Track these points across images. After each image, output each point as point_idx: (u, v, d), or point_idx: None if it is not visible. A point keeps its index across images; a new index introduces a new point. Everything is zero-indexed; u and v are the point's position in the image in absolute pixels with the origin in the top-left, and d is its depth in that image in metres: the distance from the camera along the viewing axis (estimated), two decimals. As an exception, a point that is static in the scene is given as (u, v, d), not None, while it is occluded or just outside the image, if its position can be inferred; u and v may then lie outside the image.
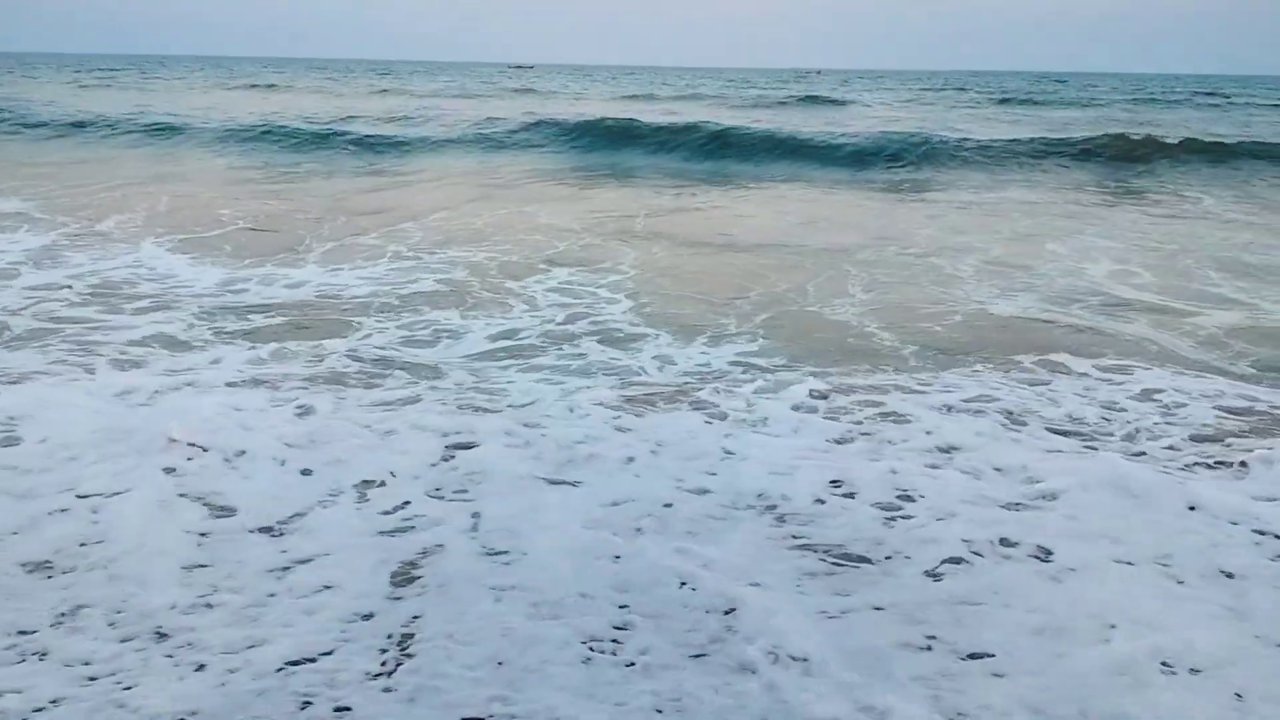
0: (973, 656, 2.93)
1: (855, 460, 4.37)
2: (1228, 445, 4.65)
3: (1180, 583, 3.35)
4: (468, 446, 4.43)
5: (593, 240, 10.07)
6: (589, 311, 7.05)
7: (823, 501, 3.95)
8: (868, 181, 15.87)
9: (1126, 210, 13.20)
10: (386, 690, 2.74)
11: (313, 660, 2.87)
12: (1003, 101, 41.08)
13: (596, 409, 4.97)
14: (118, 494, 3.86)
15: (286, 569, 3.37)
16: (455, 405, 5.01)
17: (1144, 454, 4.54)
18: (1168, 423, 4.95)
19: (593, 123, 21.54)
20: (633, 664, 2.86)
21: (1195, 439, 4.74)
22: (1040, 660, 2.90)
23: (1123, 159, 18.02)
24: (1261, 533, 3.71)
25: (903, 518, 3.83)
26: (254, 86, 45.74)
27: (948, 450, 4.51)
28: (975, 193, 14.75)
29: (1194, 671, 2.85)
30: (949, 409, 5.07)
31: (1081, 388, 5.47)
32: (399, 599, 3.20)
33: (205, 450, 4.26)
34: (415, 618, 3.09)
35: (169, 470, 4.07)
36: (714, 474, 4.20)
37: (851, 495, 4.01)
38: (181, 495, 3.87)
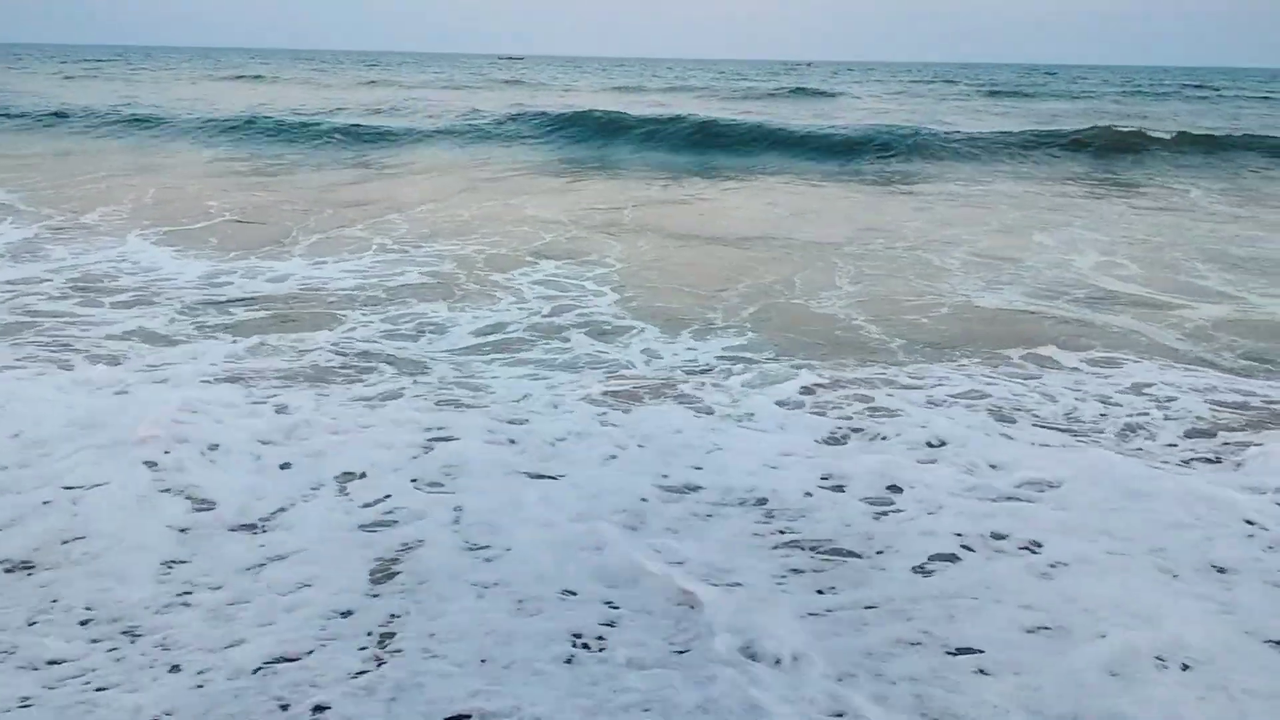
0: (962, 652, 2.90)
1: (843, 455, 4.34)
2: (1219, 438, 4.64)
3: (1174, 577, 3.32)
4: (450, 441, 4.38)
5: (580, 233, 10.02)
6: (576, 304, 7.01)
7: (810, 496, 3.91)
8: (856, 174, 15.86)
9: (1114, 202, 13.21)
10: (367, 689, 2.69)
11: (292, 659, 2.82)
12: (992, 94, 41.12)
13: (582, 403, 4.93)
14: (95, 488, 3.80)
15: (265, 565, 3.32)
16: (439, 400, 4.97)
17: (1135, 448, 4.52)
18: (1159, 416, 4.93)
19: (581, 114, 21.47)
20: (615, 662, 2.82)
21: (1186, 432, 4.73)
22: (1032, 657, 2.87)
23: (1111, 151, 18.05)
24: (1253, 524, 3.69)
25: (892, 513, 3.79)
26: (241, 78, 45.49)
27: (937, 445, 4.48)
28: (963, 185, 14.74)
29: (1186, 668, 2.83)
30: (938, 403, 5.04)
31: (1071, 381, 5.45)
32: (380, 595, 3.15)
33: (181, 444, 4.20)
34: (395, 616, 3.04)
35: (144, 465, 3.99)
36: (700, 469, 4.16)
37: (839, 490, 3.97)
38: (157, 491, 3.81)
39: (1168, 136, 18.78)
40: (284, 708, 2.63)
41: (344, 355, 5.70)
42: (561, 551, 3.42)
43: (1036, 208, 12.59)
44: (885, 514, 3.78)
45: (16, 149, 17.76)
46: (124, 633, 2.94)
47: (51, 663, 2.80)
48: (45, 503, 3.69)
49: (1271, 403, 5.14)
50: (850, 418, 4.81)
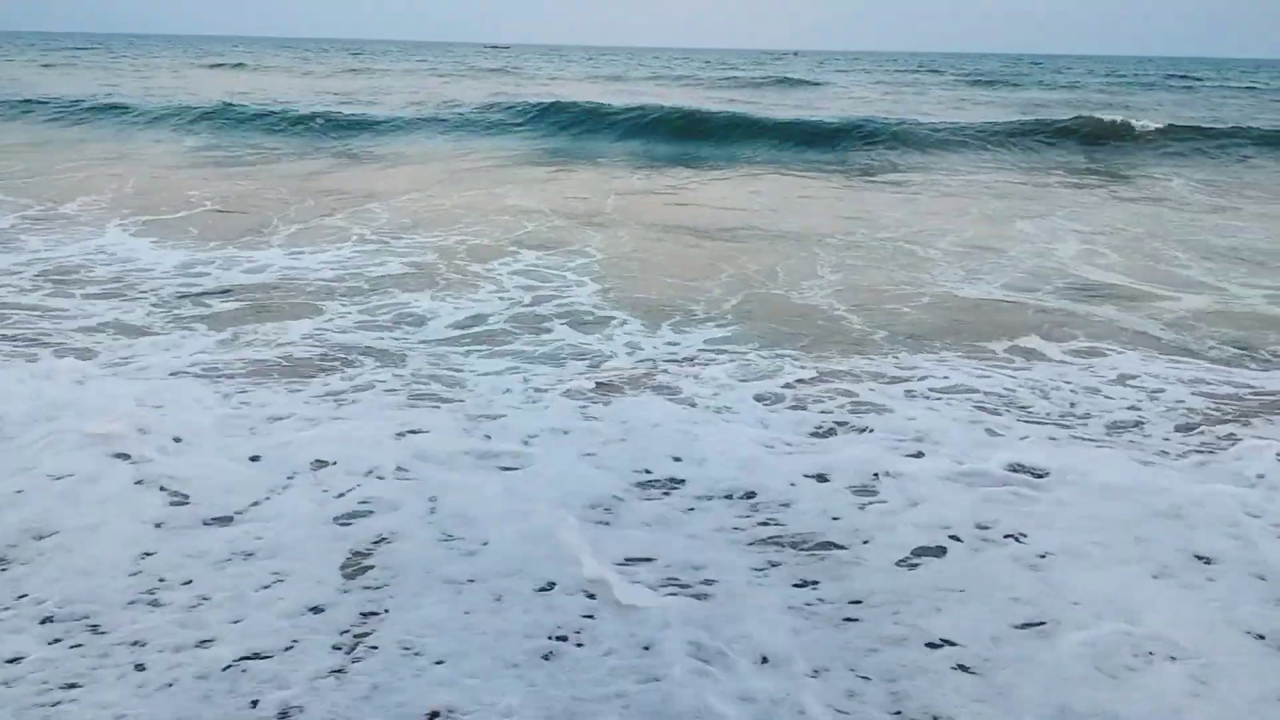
0: (944, 646, 2.88)
1: (827, 448, 4.31)
2: (1205, 429, 4.63)
3: (1161, 569, 3.31)
4: (425, 434, 4.34)
5: (562, 223, 9.96)
6: (557, 295, 6.96)
7: (793, 489, 3.87)
8: (840, 164, 15.82)
9: (1097, 193, 13.23)
10: (341, 688, 2.65)
11: (263, 657, 2.78)
12: (977, 83, 41.15)
13: (561, 395, 4.89)
14: (58, 480, 3.75)
15: (236, 560, 3.27)
16: (415, 392, 4.91)
17: (1121, 439, 4.50)
18: (1144, 408, 4.92)
19: (565, 104, 21.36)
20: (592, 658, 2.79)
21: (1172, 423, 4.71)
22: (1016, 651, 2.85)
23: (1094, 141, 18.09)
24: (1240, 516, 3.68)
25: (876, 506, 3.76)
26: (224, 66, 45.06)
27: (921, 437, 4.45)
28: (947, 175, 14.74)
29: (1172, 659, 2.82)
30: (922, 395, 5.02)
31: (1056, 373, 5.44)
32: (351, 591, 3.11)
33: (144, 436, 4.13)
34: (369, 614, 3.00)
35: (106, 459, 3.94)
36: (681, 461, 4.12)
37: (822, 484, 3.94)
38: (120, 485, 3.75)
39: (1151, 127, 18.81)
40: (254, 705, 2.59)
41: (320, 347, 5.64)
42: (539, 547, 3.39)
43: (1020, 198, 12.59)
44: (869, 507, 3.75)
45: (-7, 138, 17.55)
46: (90, 629, 2.90)
47: (11, 660, 2.75)
48: (17, 492, 3.63)
49: (1257, 393, 5.14)
50: (834, 410, 4.78)
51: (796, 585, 3.20)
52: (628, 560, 3.32)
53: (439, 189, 12.42)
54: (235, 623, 2.94)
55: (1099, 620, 3.00)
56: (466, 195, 11.87)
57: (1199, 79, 50.20)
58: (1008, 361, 5.64)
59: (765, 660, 2.79)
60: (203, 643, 2.83)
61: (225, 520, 3.55)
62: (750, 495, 3.83)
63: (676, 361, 5.53)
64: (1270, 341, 6.16)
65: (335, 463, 3.99)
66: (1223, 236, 9.97)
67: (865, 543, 3.48)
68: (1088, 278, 7.91)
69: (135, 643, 2.83)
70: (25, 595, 3.05)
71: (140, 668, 2.72)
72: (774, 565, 3.32)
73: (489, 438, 4.34)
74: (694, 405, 4.81)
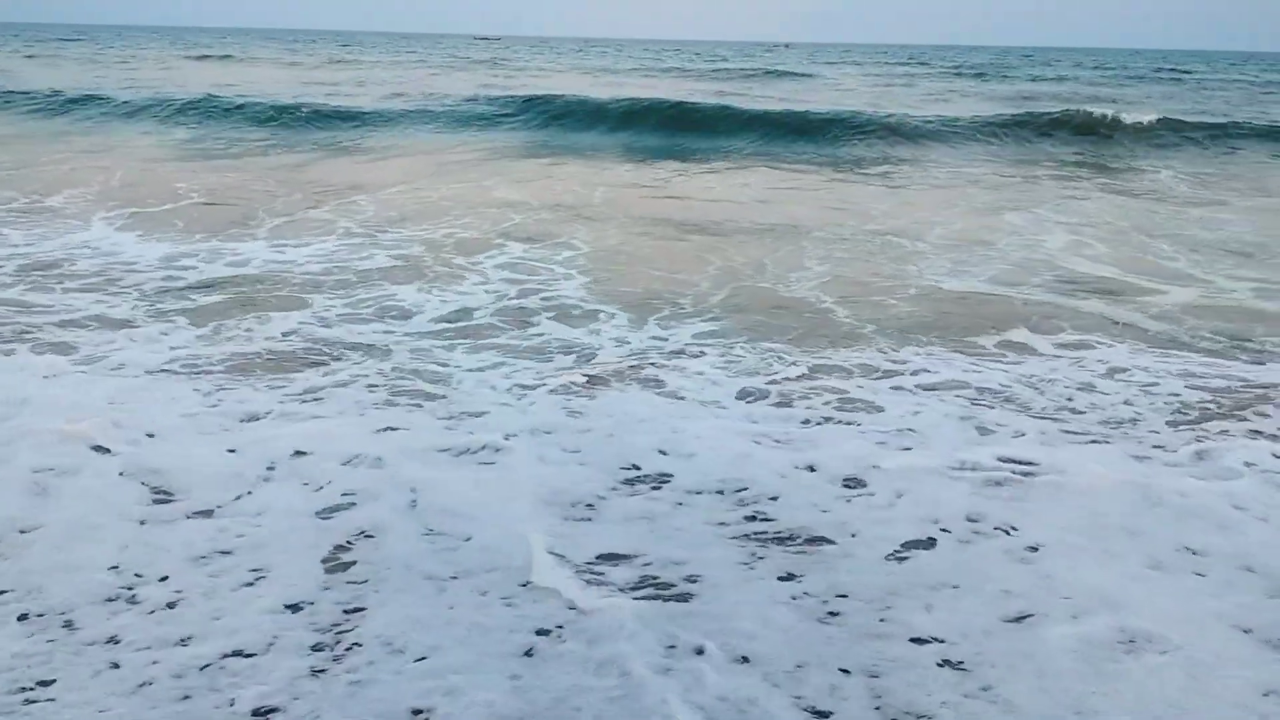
0: (930, 642, 2.86)
1: (815, 442, 4.28)
2: (1195, 423, 4.62)
3: (1151, 563, 3.30)
4: (408, 430, 4.31)
5: (550, 216, 9.92)
6: (543, 288, 6.92)
7: (781, 483, 3.85)
8: (830, 157, 15.80)
9: (1086, 186, 13.24)
10: (322, 686, 2.62)
11: (243, 655, 2.74)
12: (966, 76, 41.15)
13: (546, 390, 4.86)
14: (33, 475, 3.71)
15: (215, 557, 3.24)
16: (399, 387, 4.87)
17: (1112, 433, 4.49)
18: (1134, 401, 4.91)
19: (553, 97, 21.28)
20: (576, 656, 2.76)
21: (1162, 417, 4.70)
22: (1002, 645, 2.83)
23: (1083, 135, 18.11)
24: (1229, 509, 3.68)
25: (866, 500, 3.74)
26: (212, 58, 44.80)
27: (910, 431, 4.43)
28: (936, 168, 14.74)
29: (1160, 653, 2.81)
30: (911, 389, 5.01)
31: (1046, 367, 5.42)
32: (334, 588, 3.08)
33: (118, 431, 4.10)
34: (352, 610, 2.97)
35: (82, 455, 3.90)
36: (667, 456, 4.09)
37: (810, 478, 3.91)
38: (100, 481, 3.71)
39: (1139, 120, 18.84)
40: (232, 704, 2.56)
41: (303, 341, 5.59)
42: (523, 542, 3.36)
43: (1008, 190, 12.60)
44: (858, 501, 3.73)
45: (-23, 130, 17.41)
46: (64, 626, 2.86)
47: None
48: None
49: (1248, 386, 5.14)
50: (822, 404, 4.76)
51: (782, 580, 3.18)
52: (609, 556, 3.30)
53: (426, 181, 12.36)
54: (215, 620, 2.90)
55: (1088, 614, 2.99)
56: (454, 188, 11.81)
57: (1188, 71, 50.34)
58: (997, 355, 5.63)
59: (745, 659, 2.76)
60: (181, 641, 2.80)
61: (204, 516, 3.51)
62: (737, 490, 3.81)
63: (663, 355, 5.50)
64: (1258, 334, 6.16)
65: (316, 458, 3.95)
66: (1210, 229, 9.99)
67: (853, 536, 3.46)
68: (1076, 270, 7.91)
69: (111, 640, 2.79)
70: (2, 591, 3.01)
71: (116, 666, 2.68)
72: (760, 560, 3.30)
73: (472, 433, 4.30)
74: (681, 399, 4.79)
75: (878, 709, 2.57)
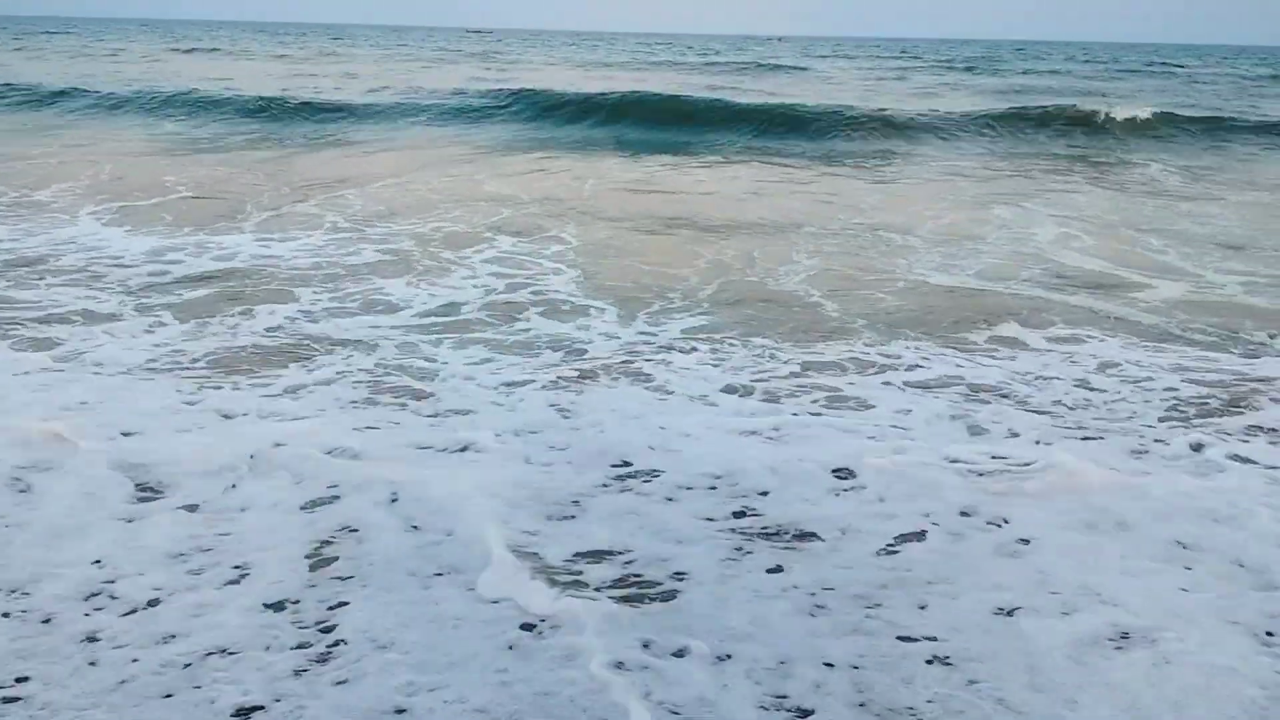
0: (918, 633, 2.85)
1: (805, 437, 4.26)
2: (1187, 417, 4.61)
3: (1143, 558, 3.29)
4: (395, 426, 4.28)
5: (540, 210, 9.88)
6: (532, 283, 6.89)
7: (770, 479, 3.83)
8: (820, 150, 15.78)
9: (1077, 180, 13.25)
10: (305, 684, 2.59)
11: (225, 653, 2.72)
12: (958, 70, 41.15)
13: (534, 385, 4.84)
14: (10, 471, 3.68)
15: (196, 554, 3.21)
16: (384, 383, 4.84)
17: (1106, 427, 4.47)
18: (1125, 395, 4.90)
19: (544, 90, 21.21)
20: (560, 654, 2.74)
21: (1152, 410, 4.70)
22: (994, 640, 2.82)
23: (1074, 128, 18.13)
24: (1224, 505, 3.66)
25: (854, 496, 3.71)
26: (201, 51, 44.58)
27: (901, 426, 4.42)
28: (927, 162, 14.74)
29: (1153, 648, 2.80)
30: (902, 383, 4.99)
31: (1037, 361, 5.41)
32: (318, 585, 3.06)
33: (100, 429, 4.07)
34: (336, 605, 2.95)
35: (65, 452, 3.87)
36: (655, 451, 4.07)
37: (801, 473, 3.88)
38: (79, 477, 3.68)
39: (1130, 113, 18.86)
40: (214, 703, 2.53)
41: (288, 336, 5.55)
42: (508, 539, 3.34)
43: (999, 185, 12.60)
44: (849, 497, 3.71)
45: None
46: (44, 622, 2.83)
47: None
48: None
49: (1240, 380, 5.13)
50: (813, 399, 4.74)
51: (769, 575, 3.15)
52: (592, 553, 3.27)
53: (416, 175, 12.31)
54: (196, 617, 2.88)
55: (1079, 610, 2.98)
56: (443, 181, 11.77)
57: (1179, 65, 50.42)
58: (988, 350, 5.62)
59: (727, 656, 2.74)
60: (162, 639, 2.77)
61: (186, 512, 3.48)
62: (727, 485, 3.79)
63: (653, 350, 5.48)
64: (1248, 328, 6.17)
65: (300, 455, 3.91)
66: (1200, 223, 10.01)
67: (843, 533, 3.44)
68: (1066, 264, 7.92)
69: (90, 637, 2.77)
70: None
71: (94, 664, 2.66)
72: (746, 555, 3.28)
73: (458, 429, 4.28)
74: (670, 395, 4.77)
75: (862, 705, 2.55)
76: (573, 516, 3.53)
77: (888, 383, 5.00)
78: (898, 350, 5.54)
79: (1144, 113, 18.97)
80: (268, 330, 5.65)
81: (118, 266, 7.07)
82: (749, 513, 3.58)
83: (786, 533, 3.45)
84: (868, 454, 4.05)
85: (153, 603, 2.95)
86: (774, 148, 15.99)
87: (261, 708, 2.51)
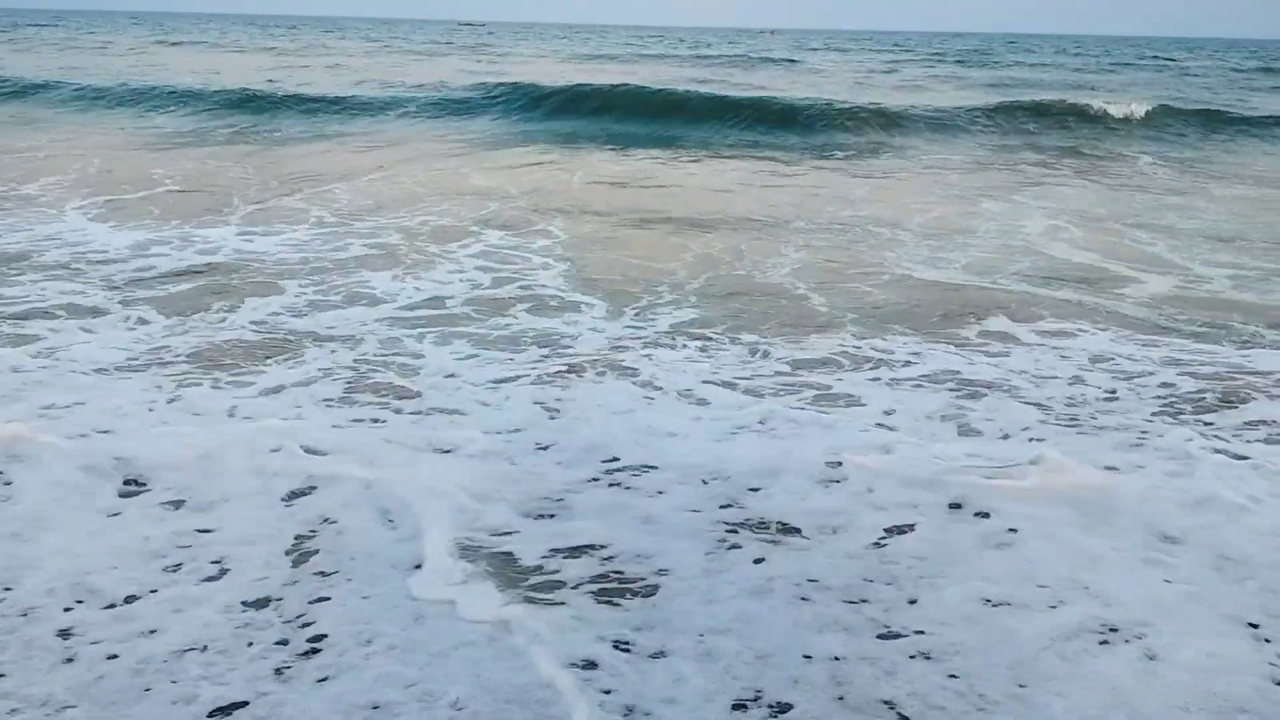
0: (902, 626, 2.85)
1: (795, 432, 4.25)
2: (1176, 411, 4.61)
3: (1131, 552, 3.28)
4: (381, 423, 4.25)
5: (527, 204, 9.85)
6: (519, 278, 6.87)
7: (759, 474, 3.81)
8: (810, 144, 15.75)
9: (1067, 173, 13.27)
10: (284, 681, 2.58)
11: (204, 650, 2.70)
12: (949, 63, 41.14)
13: (521, 380, 4.82)
14: None
15: (176, 550, 3.19)
16: (369, 378, 4.81)
17: (1095, 421, 4.47)
18: (1116, 389, 4.89)
19: (533, 84, 21.14)
20: (540, 650, 2.73)
21: (1143, 403, 4.69)
22: (978, 634, 2.81)
23: (1065, 123, 18.15)
24: (1216, 500, 3.66)
25: (844, 491, 3.69)
26: (192, 44, 44.36)
27: (890, 420, 4.41)
28: (917, 156, 14.73)
29: (1138, 638, 2.81)
30: (892, 378, 4.98)
31: (1028, 355, 5.41)
32: (300, 581, 3.04)
33: (82, 424, 4.04)
34: (316, 600, 2.93)
35: (43, 448, 3.82)
36: (642, 447, 4.05)
37: (790, 468, 3.86)
38: (60, 473, 3.64)
39: (1121, 107, 18.89)
40: (192, 701, 2.52)
41: (272, 331, 5.52)
42: (492, 535, 3.33)
43: (989, 179, 12.60)
44: (837, 492, 3.69)
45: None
46: (21, 616, 2.82)
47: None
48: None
49: (1231, 373, 5.13)
50: (802, 394, 4.72)
51: (753, 570, 3.14)
52: (570, 549, 3.25)
53: (404, 169, 12.27)
54: (175, 613, 2.86)
55: (1065, 604, 2.98)
56: (431, 175, 11.74)
57: (1170, 59, 50.49)
58: (978, 344, 5.60)
59: (706, 651, 2.73)
60: (140, 635, 2.76)
61: (166, 508, 3.46)
62: (713, 481, 3.76)
63: (641, 346, 5.46)
64: (1237, 322, 6.17)
65: (281, 452, 3.88)
66: (1189, 217, 10.02)
67: (830, 527, 3.43)
68: (1056, 257, 7.92)
69: (64, 633, 2.75)
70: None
71: (71, 660, 2.64)
72: (732, 550, 3.27)
73: (442, 425, 4.25)
74: (658, 390, 4.74)
75: (841, 699, 2.54)
76: (553, 515, 3.50)
77: (877, 378, 4.99)
78: (887, 344, 5.53)
79: (1134, 106, 19.00)
80: (253, 325, 5.62)
81: (103, 261, 7.02)
82: (735, 508, 3.56)
83: (773, 528, 3.43)
84: (856, 449, 4.03)
85: (130, 598, 2.93)
86: (764, 141, 15.97)
87: (240, 704, 2.50)
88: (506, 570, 3.13)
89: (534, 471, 3.83)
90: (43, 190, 9.92)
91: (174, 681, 2.57)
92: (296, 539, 3.29)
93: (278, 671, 2.62)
